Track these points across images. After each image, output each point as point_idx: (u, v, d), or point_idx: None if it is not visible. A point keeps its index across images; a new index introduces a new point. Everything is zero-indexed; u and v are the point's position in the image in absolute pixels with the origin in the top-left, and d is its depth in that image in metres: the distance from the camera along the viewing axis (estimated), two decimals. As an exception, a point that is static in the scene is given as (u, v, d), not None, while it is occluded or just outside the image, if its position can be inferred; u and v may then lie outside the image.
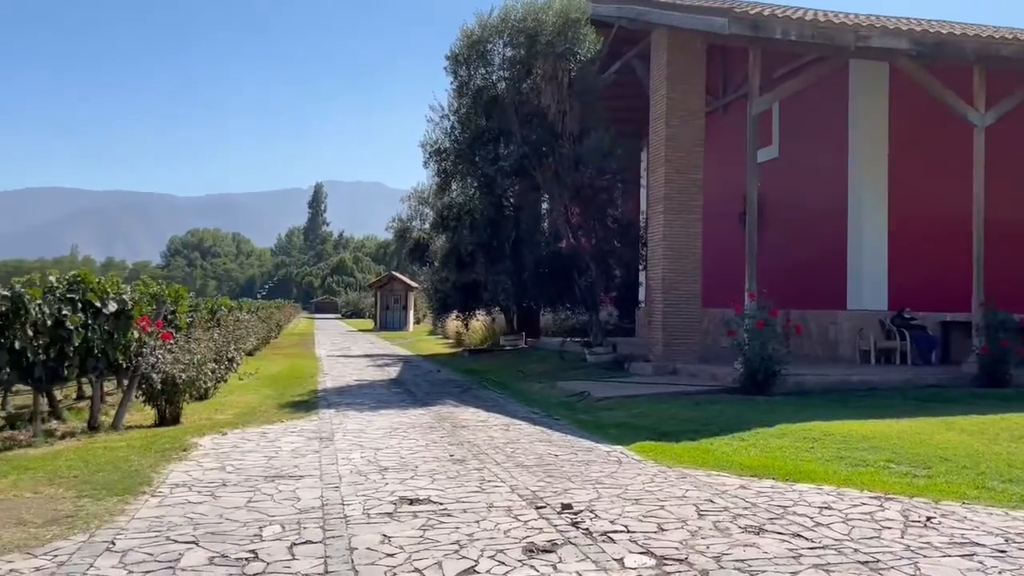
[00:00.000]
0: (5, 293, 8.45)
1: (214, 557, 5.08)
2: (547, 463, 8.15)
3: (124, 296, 9.90)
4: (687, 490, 6.95)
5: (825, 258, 17.77)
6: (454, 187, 23.37)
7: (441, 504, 6.45)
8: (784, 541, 5.41)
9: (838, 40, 14.20)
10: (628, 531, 5.65)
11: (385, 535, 5.57)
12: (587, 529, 5.70)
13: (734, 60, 20.43)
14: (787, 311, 14.10)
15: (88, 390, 13.28)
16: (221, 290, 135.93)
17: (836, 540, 5.44)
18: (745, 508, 6.30)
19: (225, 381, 15.53)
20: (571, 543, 5.36)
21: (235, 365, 16.54)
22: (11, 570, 4.86)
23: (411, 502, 6.52)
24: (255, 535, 5.57)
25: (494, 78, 20.75)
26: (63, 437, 9.51)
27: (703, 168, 16.13)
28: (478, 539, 5.46)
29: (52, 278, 9.24)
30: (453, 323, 31.35)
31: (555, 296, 22.03)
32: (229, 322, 16.67)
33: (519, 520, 5.95)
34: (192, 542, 5.40)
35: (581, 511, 6.20)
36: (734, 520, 5.94)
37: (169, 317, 12.80)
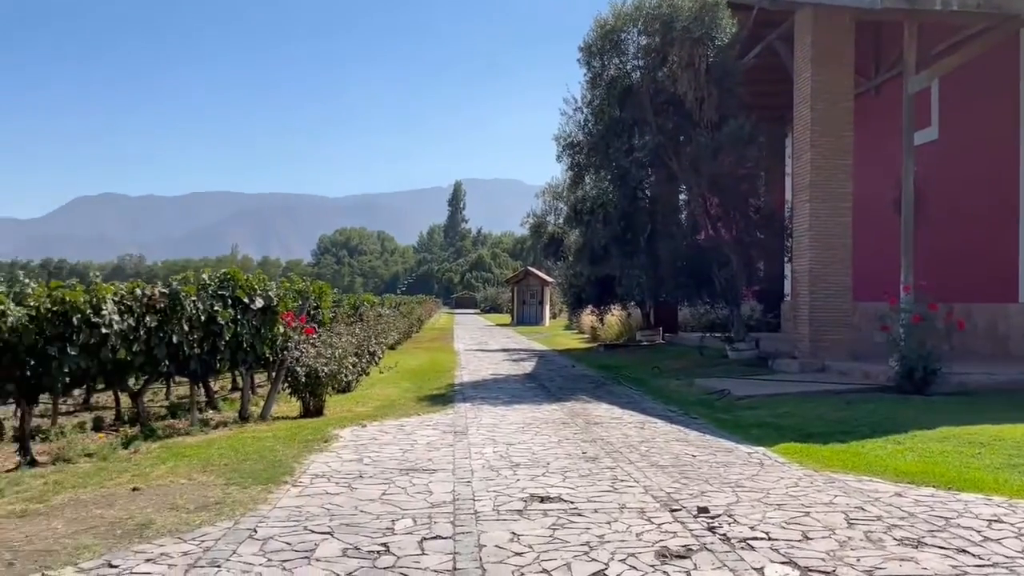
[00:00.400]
0: (164, 290, 9.00)
1: (347, 549, 5.16)
2: (683, 463, 7.85)
3: (270, 292, 10.35)
4: (835, 496, 6.49)
5: (993, 247, 16.30)
6: (587, 180, 23.13)
7: (572, 503, 6.31)
8: (947, 557, 4.92)
9: (1007, 8, 12.97)
10: (769, 539, 5.31)
11: (514, 533, 5.49)
12: (724, 535, 5.40)
13: (887, 37, 19.12)
14: (949, 305, 13.03)
15: (241, 382, 14.05)
16: (367, 286, 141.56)
17: (1008, 558, 4.90)
18: (901, 518, 5.79)
19: (367, 374, 16.04)
20: (707, 549, 5.09)
21: (376, 359, 17.06)
22: (161, 553, 5.12)
23: (541, 500, 6.42)
24: (387, 528, 5.63)
25: (628, 68, 20.34)
26: (217, 426, 10.06)
27: (853, 153, 15.18)
28: (609, 541, 5.28)
29: (205, 276, 9.78)
30: (588, 318, 31.14)
31: (693, 290, 21.41)
32: (371, 317, 17.21)
33: (652, 523, 5.72)
34: (327, 533, 5.52)
35: (719, 515, 5.90)
36: (888, 531, 5.47)
37: (312, 313, 13.31)
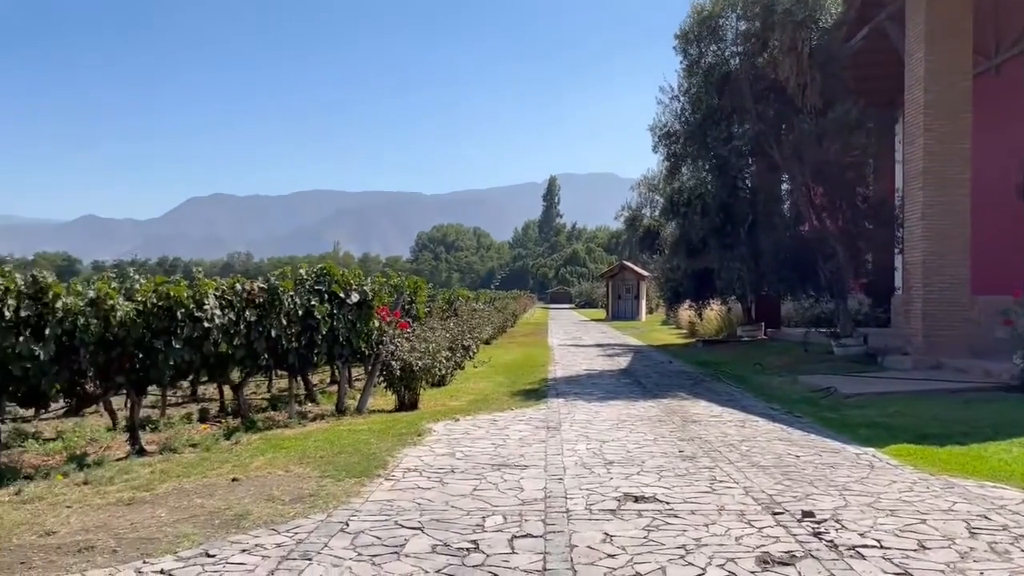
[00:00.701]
0: (263, 285, 9.21)
1: (437, 545, 5.10)
2: (786, 464, 7.48)
3: (365, 287, 10.47)
4: (954, 502, 6.03)
5: None
6: (684, 171, 22.58)
7: (667, 503, 6.08)
8: (1085, 574, 4.47)
9: None
10: (881, 547, 4.96)
11: (607, 533, 5.31)
12: (831, 541, 5.08)
13: (1008, 13, 17.87)
14: (1082, 298, 12.05)
15: (338, 375, 14.32)
16: (463, 282, 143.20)
17: None
18: (1031, 529, 5.33)
19: (461, 368, 16.11)
20: (812, 556, 4.79)
21: (471, 353, 17.12)
22: (256, 544, 5.18)
23: (636, 499, 6.22)
24: (477, 525, 5.54)
25: (726, 54, 19.73)
26: (314, 419, 10.25)
27: (971, 136, 14.24)
28: (706, 545, 5.04)
29: (302, 271, 9.96)
30: (685, 312, 30.49)
31: (796, 283, 20.61)
32: (465, 312, 17.30)
33: (753, 526, 5.44)
34: (418, 528, 5.48)
35: (825, 520, 5.56)
36: (1016, 542, 5.03)
37: (407, 308, 13.43)
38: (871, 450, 8.07)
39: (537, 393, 13.13)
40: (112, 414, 9.67)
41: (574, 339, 29.72)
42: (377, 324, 10.79)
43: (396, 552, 4.97)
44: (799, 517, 5.64)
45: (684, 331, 31.34)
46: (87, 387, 7.67)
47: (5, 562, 4.97)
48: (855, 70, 18.54)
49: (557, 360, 19.82)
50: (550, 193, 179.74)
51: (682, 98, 20.78)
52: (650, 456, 7.92)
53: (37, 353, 7.02)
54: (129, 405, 8.44)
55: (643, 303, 51.86)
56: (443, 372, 11.98)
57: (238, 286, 9.02)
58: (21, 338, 6.96)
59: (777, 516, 5.68)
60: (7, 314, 6.83)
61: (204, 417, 10.89)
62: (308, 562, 4.81)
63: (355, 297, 10.28)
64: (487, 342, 25.30)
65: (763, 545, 5.01)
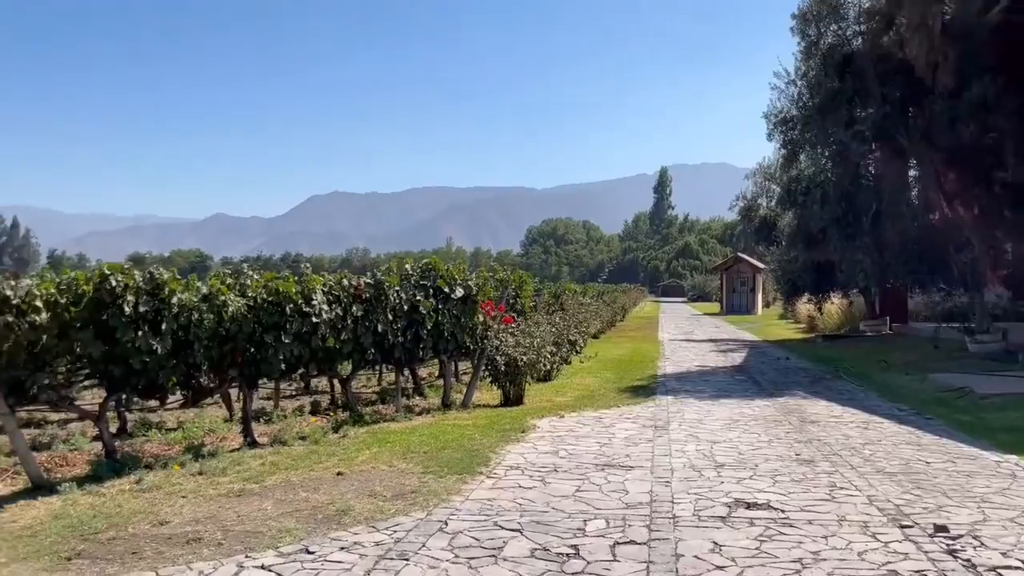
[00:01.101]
0: (369, 281, 9.29)
1: (536, 550, 4.93)
2: (915, 471, 6.93)
3: (469, 282, 10.43)
4: (1114, 521, 5.40)
5: None
6: (802, 158, 21.55)
7: (782, 511, 5.71)
8: None
9: None
10: (1028, 570, 4.47)
11: (715, 543, 5.01)
12: (968, 560, 4.62)
13: None
14: None
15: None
16: (573, 275, 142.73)
17: None
18: None
19: (568, 363, 15.92)
20: (947, 578, 4.35)
21: (577, 348, 16.91)
22: (355, 542, 5.16)
23: (748, 506, 5.87)
24: (578, 529, 5.35)
25: (848, 34, 18.70)
26: (420, 413, 10.29)
27: None
28: (825, 559, 4.67)
29: (407, 266, 10.00)
30: (804, 306, 29.26)
31: (925, 276, 19.38)
32: (571, 306, 17.10)
33: (878, 540, 5.02)
34: (517, 530, 5.34)
35: (960, 536, 5.08)
36: None
37: (512, 302, 13.34)
38: (1013, 458, 7.39)
39: (645, 390, 12.79)
40: (229, 406, 9.99)
41: (686, 334, 29.01)
42: (482, 319, 10.74)
43: (494, 555, 4.84)
44: (931, 532, 5.17)
45: (802, 326, 30.09)
46: (201, 380, 7.93)
47: (118, 551, 5.13)
48: (993, 46, 17.16)
49: (667, 355, 19.34)
50: (661, 184, 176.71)
51: (799, 82, 19.84)
52: (764, 459, 7.52)
53: (155, 347, 7.28)
54: (241, 398, 8.67)
55: (759, 297, 50.21)
56: (548, 367, 11.82)
57: (345, 282, 9.13)
58: (140, 332, 7.22)
59: (906, 529, 5.23)
60: (127, 310, 7.11)
61: (316, 410, 11.13)
62: (405, 562, 4.74)
63: (459, 292, 10.25)
64: (595, 336, 25.01)
65: (890, 562, 4.60)
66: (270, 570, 4.68)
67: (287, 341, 8.39)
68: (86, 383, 8.73)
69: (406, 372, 11.14)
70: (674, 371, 15.81)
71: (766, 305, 51.02)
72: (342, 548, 5.04)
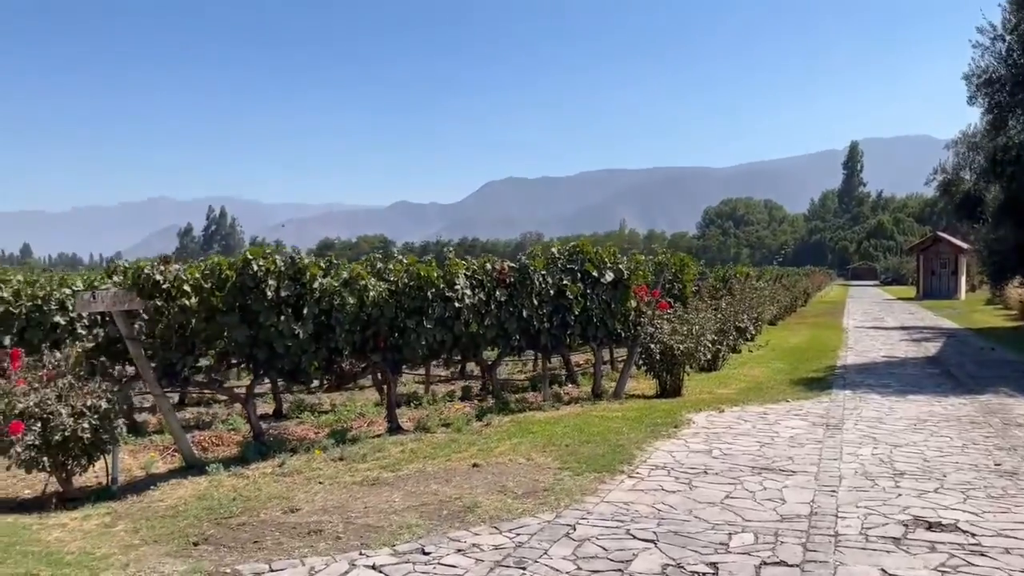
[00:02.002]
0: (513, 265, 8.96)
1: (668, 566, 4.38)
2: None
3: (620, 266, 9.86)
4: None
5: None
6: (1012, 124, 19.03)
7: (972, 535, 4.80)
8: None
9: None
10: None
11: (885, 572, 4.24)
12: None
13: None
14: None
15: (606, 355, 13.88)
16: (754, 257, 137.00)
17: None
18: None
19: (735, 351, 14.95)
20: None
21: (748, 335, 15.86)
22: (474, 544, 4.82)
23: (929, 526, 5.00)
24: (721, 543, 4.73)
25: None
26: (569, 402, 9.87)
27: None
28: (1026, 604, 3.81)
29: (554, 249, 9.58)
30: (1015, 291, 26.15)
31: None
32: (741, 291, 16.02)
33: (1099, 583, 4.05)
34: (650, 541, 4.79)
35: None
36: None
37: (669, 286, 12.61)
38: None
39: (821, 383, 11.68)
40: (380, 390, 10.03)
41: (874, 320, 26.74)
42: (634, 304, 10.14)
43: (619, 570, 4.34)
44: None
45: (1012, 312, 26.95)
46: (343, 365, 7.92)
47: (243, 539, 5.09)
48: None
49: (850, 344, 17.77)
50: (851, 160, 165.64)
51: (1008, 37, 17.48)
52: (955, 468, 6.49)
53: (297, 331, 7.32)
54: (386, 384, 8.62)
55: (962, 280, 45.67)
56: (707, 357, 11.01)
57: (488, 266, 8.85)
58: (282, 317, 7.27)
59: None
60: (269, 294, 7.17)
61: (466, 395, 11.01)
62: (522, 571, 4.35)
63: (609, 276, 9.71)
64: (771, 323, 23.59)
65: (1114, 615, 3.67)
66: (380, 571, 4.43)
67: (429, 326, 8.23)
68: (242, 366, 8.99)
69: (555, 358, 10.75)
70: (856, 362, 14.43)
71: (971, 289, 46.39)
72: (459, 550, 4.71)
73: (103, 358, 6.97)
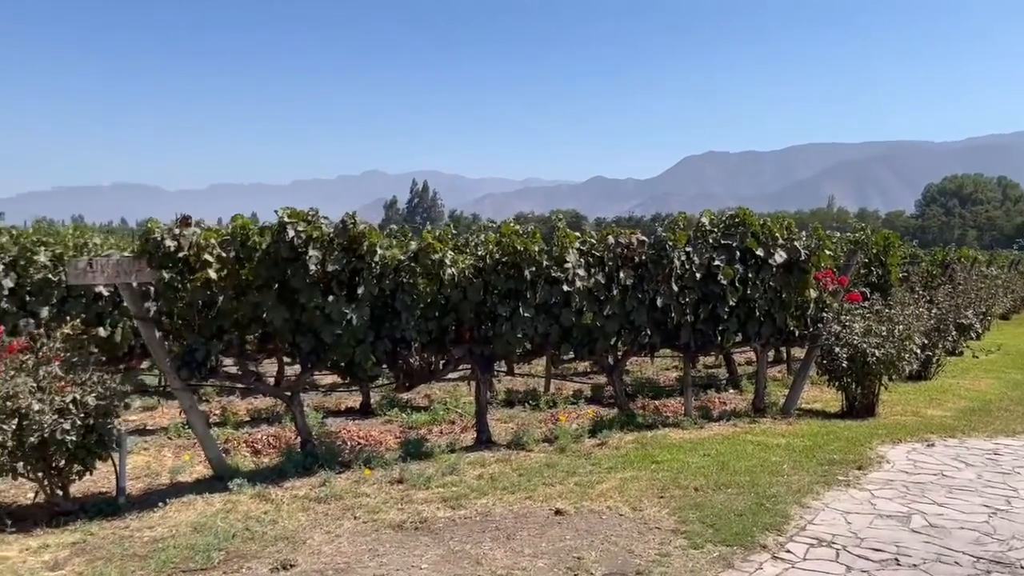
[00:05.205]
0: (644, 238, 6.90)
1: None
2: None
3: (796, 244, 7.47)
4: None
5: None
6: None
7: None
8: None
9: None
10: None
11: None
12: None
13: None
14: None
15: (784, 355, 11.41)
16: (982, 240, 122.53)
17: None
18: None
19: (956, 354, 11.92)
20: None
21: (972, 334, 12.67)
22: None
23: None
24: None
25: None
26: (719, 418, 7.68)
27: None
28: None
29: (704, 219, 7.39)
30: None
31: None
32: (965, 279, 12.80)
33: None
34: None
35: None
36: None
37: (866, 272, 9.91)
38: None
39: (1078, 406, 8.66)
40: (490, 383, 8.31)
41: None
42: (814, 294, 7.73)
43: None
44: None
45: None
46: (411, 361, 6.25)
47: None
48: None
49: (1114, 350, 13.95)
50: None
51: None
52: None
53: (349, 316, 5.74)
54: (472, 386, 6.89)
55: None
56: (913, 365, 8.34)
57: (611, 239, 6.83)
58: (331, 297, 5.72)
59: None
60: (312, 268, 5.63)
61: (596, 396, 9.10)
62: None
63: (780, 256, 7.37)
64: (1004, 317, 19.61)
65: None
66: None
67: (527, 314, 6.39)
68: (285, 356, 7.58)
69: (723, 359, 8.52)
70: None
71: None
72: None
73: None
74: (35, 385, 4.97)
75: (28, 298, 6.83)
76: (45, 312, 6.75)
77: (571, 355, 7.00)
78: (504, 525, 4.81)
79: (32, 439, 4.82)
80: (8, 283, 6.72)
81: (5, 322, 6.37)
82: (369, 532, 4.76)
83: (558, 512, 5.01)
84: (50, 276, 6.85)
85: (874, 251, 9.90)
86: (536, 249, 6.42)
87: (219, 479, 5.82)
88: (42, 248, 6.95)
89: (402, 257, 6.00)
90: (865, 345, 7.60)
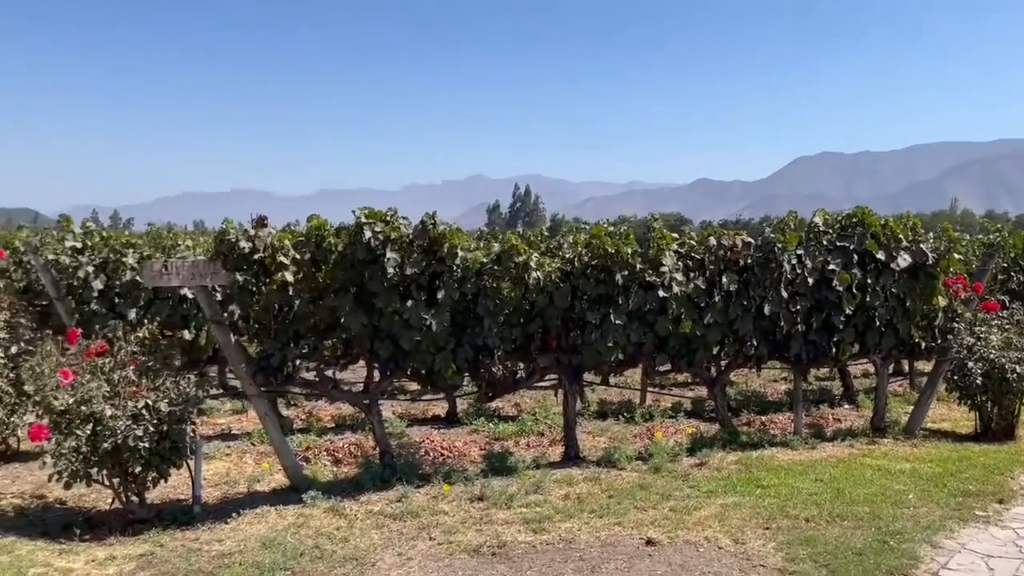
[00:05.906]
0: (749, 240, 6.32)
1: None
2: None
3: (923, 246, 6.70)
4: None
5: None
6: None
7: None
8: None
9: None
10: None
11: None
12: None
13: None
14: None
15: (907, 369, 10.49)
16: None
17: None
18: None
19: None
20: None
21: None
22: None
23: None
24: None
25: None
26: (833, 437, 6.97)
27: None
28: None
29: (817, 219, 6.73)
30: None
31: None
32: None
33: None
34: None
35: None
36: None
37: (1004, 277, 8.91)
38: None
39: None
40: (580, 394, 7.89)
41: None
42: (944, 302, 6.93)
43: None
44: None
45: None
46: (493, 370, 5.89)
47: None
48: None
49: None
50: None
51: None
52: None
53: (428, 322, 5.43)
54: (561, 397, 6.46)
55: None
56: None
57: (712, 240, 6.28)
58: (410, 302, 5.42)
59: None
60: (390, 271, 5.34)
61: (698, 410, 8.50)
62: None
63: (904, 260, 6.62)
64: None
65: None
66: None
67: (619, 322, 5.92)
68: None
69: (837, 371, 7.82)
70: None
71: None
72: None
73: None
74: (109, 390, 4.88)
75: (117, 300, 6.86)
76: (133, 314, 6.76)
77: (667, 366, 6.48)
78: (589, 555, 4.38)
79: (106, 445, 4.72)
80: (98, 285, 6.77)
81: (94, 323, 6.38)
82: (443, 556, 4.42)
83: (649, 542, 4.54)
84: (138, 278, 6.86)
85: (1012, 255, 8.92)
86: (629, 251, 5.95)
87: (295, 490, 5.62)
88: (130, 250, 6.98)
89: (484, 260, 5.64)
90: (1004, 360, 6.75)
